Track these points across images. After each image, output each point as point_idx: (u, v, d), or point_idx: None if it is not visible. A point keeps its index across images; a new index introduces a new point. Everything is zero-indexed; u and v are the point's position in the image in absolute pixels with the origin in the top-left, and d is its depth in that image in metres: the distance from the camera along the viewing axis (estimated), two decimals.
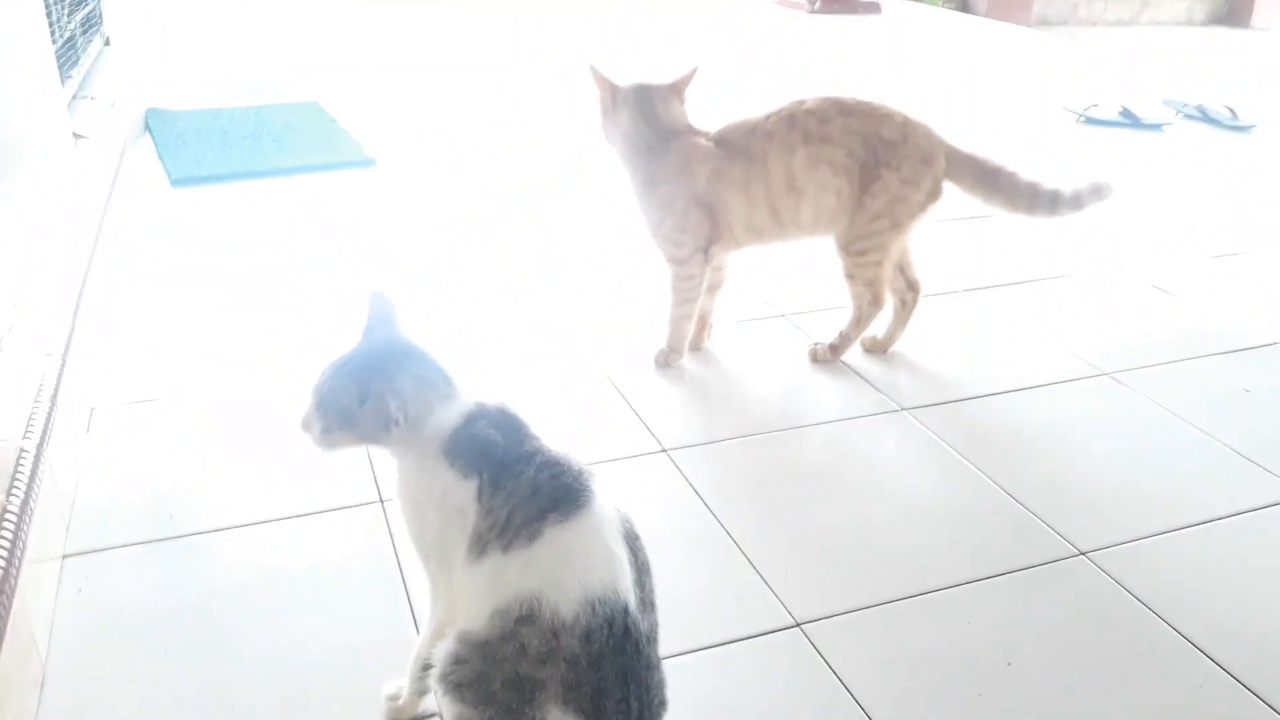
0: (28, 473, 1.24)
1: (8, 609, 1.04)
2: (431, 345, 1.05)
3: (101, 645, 1.21)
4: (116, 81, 3.25)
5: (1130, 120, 3.70)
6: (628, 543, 0.98)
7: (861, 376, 1.88)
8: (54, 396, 1.44)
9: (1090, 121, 3.72)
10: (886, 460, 1.64)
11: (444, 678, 0.96)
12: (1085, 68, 4.91)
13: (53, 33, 2.60)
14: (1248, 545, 1.45)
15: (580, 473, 0.99)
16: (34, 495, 1.22)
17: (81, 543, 1.37)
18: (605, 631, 0.93)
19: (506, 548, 0.94)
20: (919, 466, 1.62)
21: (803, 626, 1.26)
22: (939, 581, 1.35)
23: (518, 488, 0.96)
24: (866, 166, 1.76)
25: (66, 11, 2.99)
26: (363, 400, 0.98)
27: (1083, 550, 1.41)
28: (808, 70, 4.56)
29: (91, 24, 3.50)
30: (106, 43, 3.68)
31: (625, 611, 0.94)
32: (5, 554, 1.09)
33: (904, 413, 1.75)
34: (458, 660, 0.95)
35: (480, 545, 0.96)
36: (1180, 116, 3.84)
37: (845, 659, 1.21)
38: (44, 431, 1.34)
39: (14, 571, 1.09)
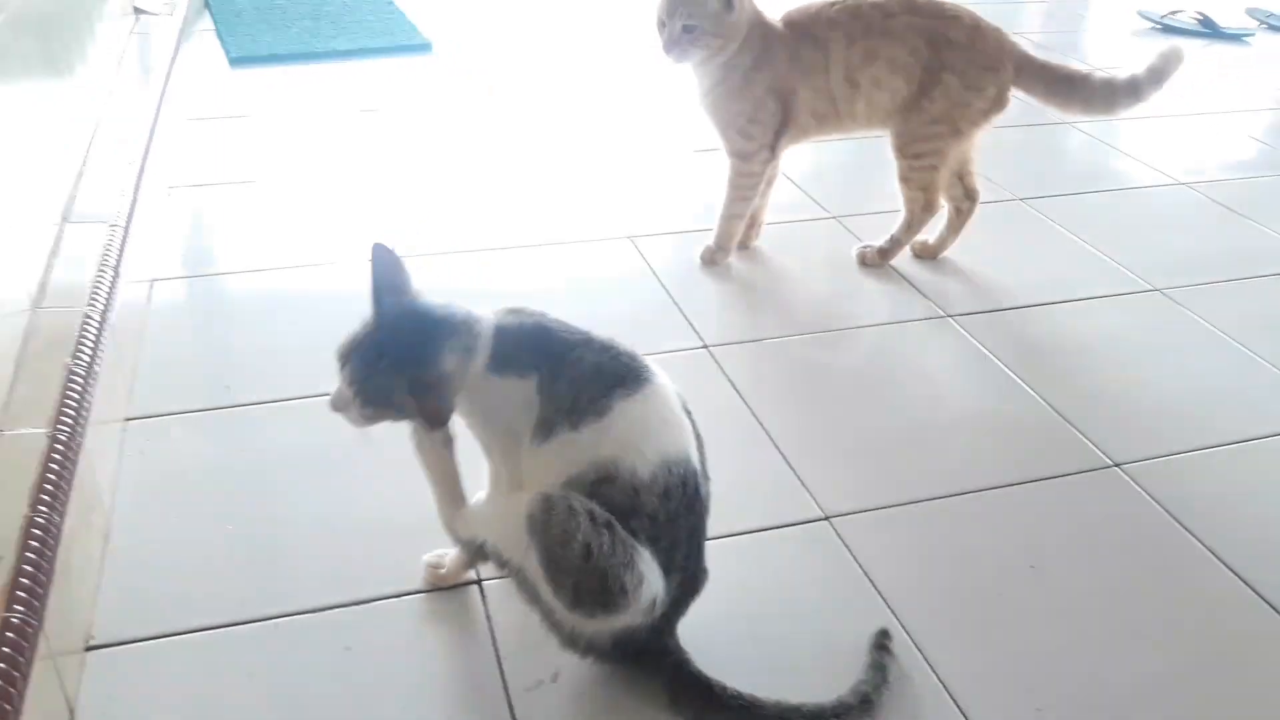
0: (92, 339, 1.30)
1: (74, 465, 1.10)
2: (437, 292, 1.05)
3: (161, 503, 1.28)
4: None
5: (1210, 29, 3.54)
6: (688, 417, 1.02)
7: (909, 281, 1.87)
8: (116, 267, 1.49)
9: (1167, 29, 3.56)
10: (928, 365, 1.65)
11: (531, 516, 0.95)
12: None
13: None
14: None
15: (634, 354, 1.03)
16: (98, 360, 1.28)
17: (144, 407, 1.44)
18: (681, 490, 0.98)
19: (576, 425, 0.97)
20: (960, 373, 1.63)
21: (831, 520, 1.30)
22: (968, 485, 1.37)
23: (580, 372, 0.99)
24: (929, 68, 1.72)
25: None
26: (413, 390, 0.98)
27: (1116, 462, 1.42)
28: None
29: None
30: None
31: (697, 474, 1.00)
32: (72, 414, 1.15)
33: (949, 319, 1.75)
34: (546, 502, 0.95)
35: (547, 428, 0.98)
36: (1264, 27, 3.66)
37: (870, 553, 1.25)
38: (108, 300, 1.40)
39: (80, 431, 1.15)
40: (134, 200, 1.71)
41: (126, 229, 1.60)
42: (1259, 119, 2.81)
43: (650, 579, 0.96)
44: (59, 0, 1.79)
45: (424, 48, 3.04)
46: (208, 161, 2.21)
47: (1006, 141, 2.58)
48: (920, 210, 1.85)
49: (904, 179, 1.83)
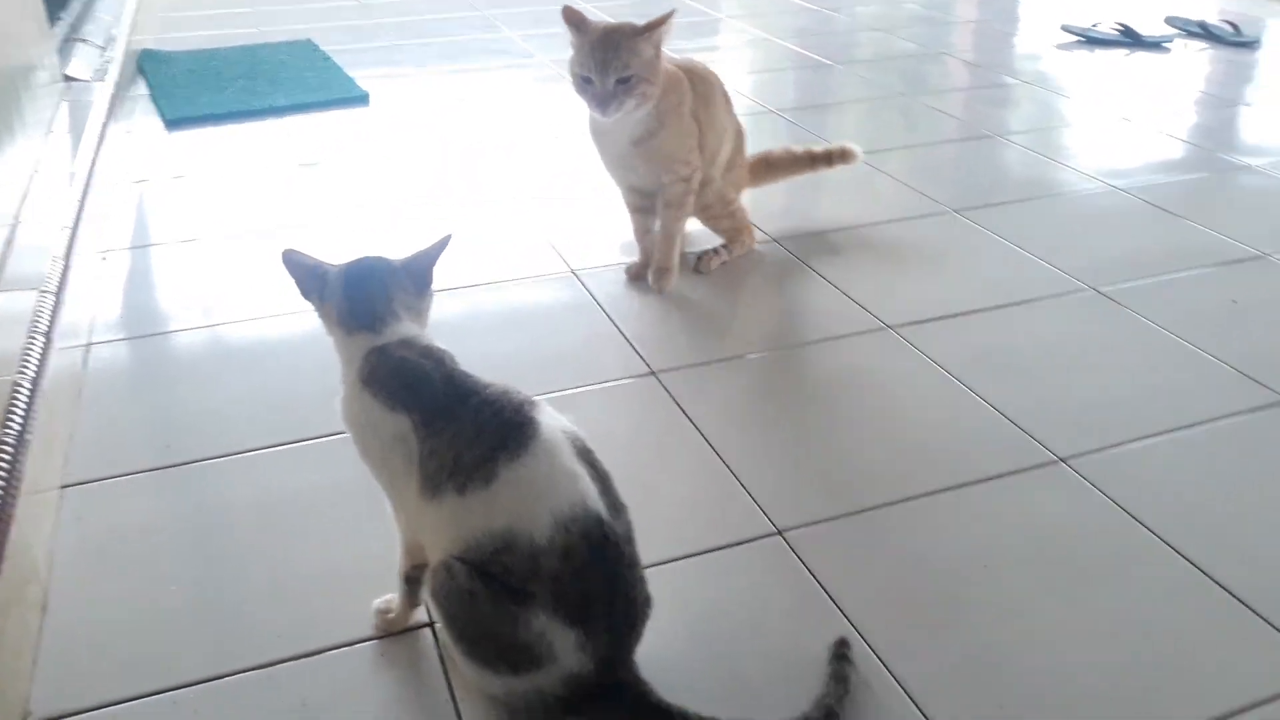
0: (23, 407, 1.28)
1: (4, 537, 1.07)
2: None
3: (101, 569, 1.25)
4: (108, 24, 3.23)
5: (1131, 38, 3.64)
6: (583, 459, 1.00)
7: (848, 296, 1.88)
8: (48, 333, 1.46)
9: (1090, 41, 3.66)
10: (872, 376, 1.66)
11: (434, 594, 0.99)
12: None
13: None
14: (1226, 449, 1.47)
15: (521, 406, 1.00)
16: (29, 428, 1.25)
17: (81, 473, 1.41)
18: (584, 545, 0.95)
19: (462, 490, 0.96)
20: (903, 382, 1.64)
21: (784, 534, 1.29)
22: (917, 489, 1.37)
23: (458, 430, 0.98)
24: None
25: None
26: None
27: (1062, 457, 1.43)
28: None
29: None
30: None
31: (600, 522, 0.97)
32: (2, 484, 1.12)
33: (889, 330, 1.77)
34: (447, 574, 0.97)
35: (433, 486, 0.98)
36: (1182, 35, 3.77)
37: (824, 564, 1.24)
38: (39, 366, 1.37)
39: (11, 500, 1.12)
40: (66, 265, 1.69)
41: (58, 294, 1.58)
42: (1182, 121, 2.89)
43: (549, 634, 0.95)
44: None
45: (361, 99, 3.05)
46: (147, 222, 2.19)
47: (941, 156, 2.63)
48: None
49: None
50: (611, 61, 1.66)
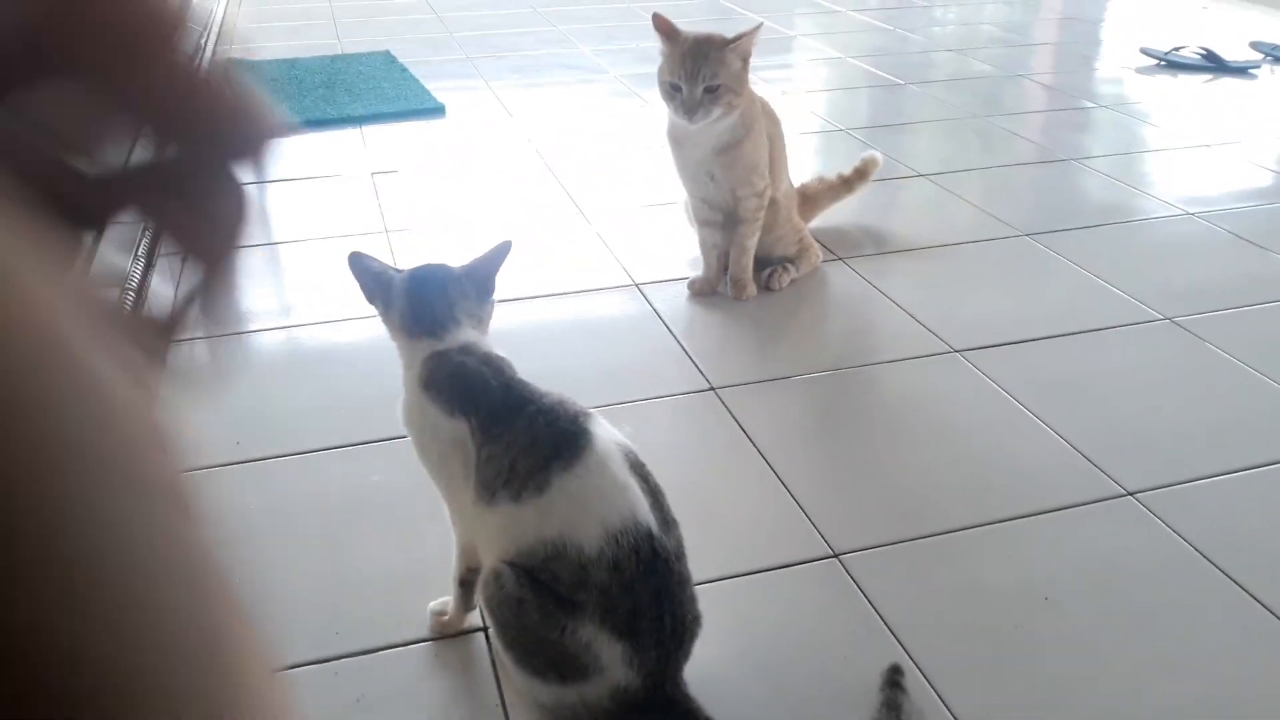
0: None
1: None
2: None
3: None
4: (197, 35, 3.33)
5: (1214, 63, 3.55)
6: (636, 472, 1.01)
7: (915, 318, 1.87)
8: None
9: (1171, 65, 3.58)
10: (936, 401, 1.64)
11: (486, 600, 1.01)
12: (1166, 8, 4.72)
13: None
14: None
15: (576, 416, 1.01)
16: None
17: None
18: (633, 559, 0.96)
19: (517, 497, 0.98)
20: (968, 408, 1.61)
21: (840, 557, 1.28)
22: (979, 518, 1.35)
23: (514, 439, 1.00)
24: None
25: None
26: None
27: (1130, 491, 1.40)
28: None
29: None
30: None
31: (650, 536, 0.97)
32: None
33: (957, 354, 1.74)
34: (502, 580, 0.99)
35: (489, 492, 1.00)
36: (1269, 60, 3.67)
37: (880, 589, 1.23)
38: None
39: None
40: (148, 263, 1.75)
41: (140, 291, 1.64)
42: (1267, 148, 2.81)
43: (596, 645, 0.96)
44: None
45: (438, 111, 3.11)
46: None
47: (1015, 179, 2.60)
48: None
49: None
50: (701, 70, 1.70)
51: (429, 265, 1.13)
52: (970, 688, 1.10)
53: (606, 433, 1.02)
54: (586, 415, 1.02)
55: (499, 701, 1.09)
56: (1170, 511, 1.36)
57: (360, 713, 1.08)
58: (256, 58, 3.57)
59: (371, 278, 1.12)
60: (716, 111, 1.73)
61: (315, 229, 2.25)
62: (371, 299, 1.13)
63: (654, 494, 1.01)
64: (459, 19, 4.31)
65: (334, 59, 3.61)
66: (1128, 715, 1.07)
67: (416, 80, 3.34)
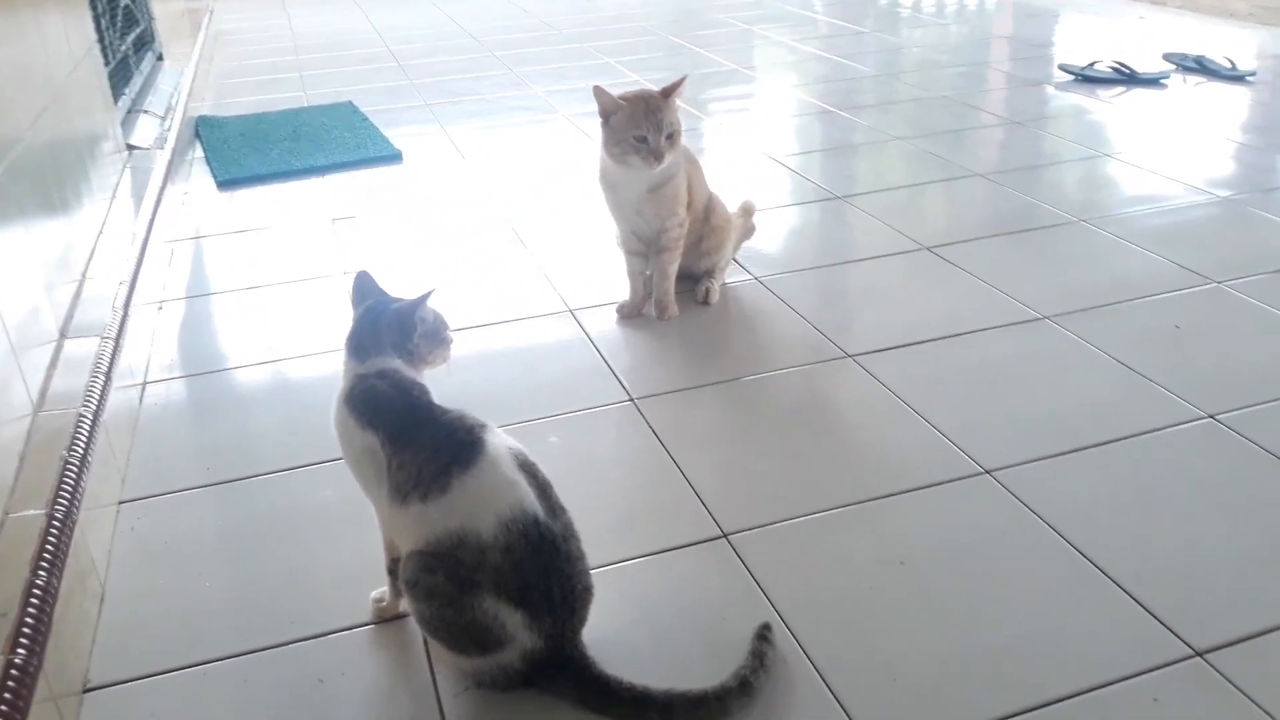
0: (85, 434, 1.52)
1: (69, 538, 1.30)
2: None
3: (150, 569, 1.49)
4: (169, 94, 3.56)
5: (1127, 75, 3.79)
6: (525, 470, 1.21)
7: (816, 328, 2.07)
8: (108, 374, 1.71)
9: (1087, 79, 3.81)
10: (827, 401, 1.84)
11: (405, 581, 1.21)
12: (1081, 27, 4.97)
13: (106, 57, 2.90)
14: (1144, 464, 1.62)
15: (472, 428, 1.21)
16: (91, 452, 1.49)
17: (134, 491, 1.66)
18: (522, 541, 1.16)
19: (424, 497, 1.18)
20: (855, 405, 1.82)
21: (729, 537, 1.49)
22: (853, 498, 1.55)
23: (418, 450, 1.20)
24: None
25: (119, 35, 3.30)
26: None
27: (988, 469, 1.61)
28: None
29: (144, 43, 3.82)
30: (159, 58, 4.00)
31: (536, 522, 1.17)
32: (67, 496, 1.36)
33: (849, 359, 1.95)
34: (415, 568, 1.19)
35: (402, 494, 1.20)
36: (1178, 70, 3.91)
37: (760, 562, 1.43)
38: (99, 401, 1.62)
39: (74, 509, 1.36)
40: (125, 314, 1.95)
41: (118, 340, 1.84)
42: (1165, 156, 3.03)
43: (500, 615, 1.16)
44: (55, 146, 2.06)
45: (395, 158, 3.32)
46: (195, 276, 2.46)
47: (925, 196, 2.82)
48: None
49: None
50: (663, 120, 1.94)
51: (379, 301, 1.34)
52: (827, 639, 1.30)
53: (499, 440, 1.22)
54: (482, 426, 1.23)
55: (429, 672, 1.28)
56: (1019, 484, 1.57)
57: (320, 692, 1.27)
58: (226, 114, 3.79)
59: (357, 297, 1.37)
60: (672, 154, 1.97)
61: (278, 274, 2.45)
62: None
63: (542, 487, 1.22)
64: (419, 66, 4.55)
65: (299, 111, 3.84)
66: (954, 653, 1.27)
67: (376, 129, 3.56)
